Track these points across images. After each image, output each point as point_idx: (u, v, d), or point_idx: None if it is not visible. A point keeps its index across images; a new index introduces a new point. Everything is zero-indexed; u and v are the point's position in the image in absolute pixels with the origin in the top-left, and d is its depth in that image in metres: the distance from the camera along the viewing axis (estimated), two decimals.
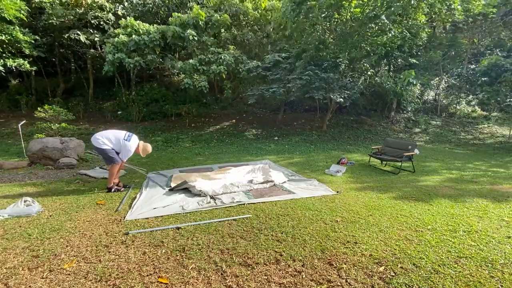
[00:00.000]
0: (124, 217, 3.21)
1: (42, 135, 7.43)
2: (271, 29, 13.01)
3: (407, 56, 11.43)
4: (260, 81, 12.03)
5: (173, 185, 4.41)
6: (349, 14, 10.16)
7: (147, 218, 3.18)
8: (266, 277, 2.07)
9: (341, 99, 9.64)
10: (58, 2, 11.20)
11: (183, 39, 10.45)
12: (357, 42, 10.09)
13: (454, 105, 14.86)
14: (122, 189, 4.30)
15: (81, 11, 11.46)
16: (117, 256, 2.35)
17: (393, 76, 11.82)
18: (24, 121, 8.59)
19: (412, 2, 8.63)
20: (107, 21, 11.97)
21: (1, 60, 9.77)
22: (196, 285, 1.98)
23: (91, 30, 12.18)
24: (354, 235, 2.74)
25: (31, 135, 8.04)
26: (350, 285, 1.98)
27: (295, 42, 11.80)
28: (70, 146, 6.32)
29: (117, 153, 4.16)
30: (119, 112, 13.39)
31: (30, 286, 1.96)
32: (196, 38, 10.35)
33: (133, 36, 10.04)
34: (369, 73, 12.20)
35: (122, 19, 11.02)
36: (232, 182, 4.50)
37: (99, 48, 13.20)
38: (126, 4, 12.35)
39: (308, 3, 9.02)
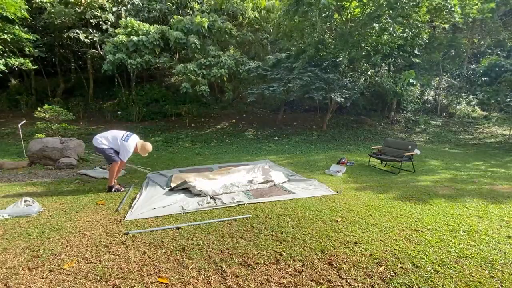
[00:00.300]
0: (124, 217, 3.21)
1: (42, 135, 7.44)
2: (271, 29, 13.02)
3: (407, 56, 11.43)
4: (260, 81, 12.04)
5: (173, 185, 4.41)
6: (349, 14, 10.16)
7: (147, 218, 3.18)
8: (266, 277, 2.07)
9: (342, 99, 9.64)
10: (58, 1, 11.20)
11: (185, 44, 10.46)
12: (357, 42, 10.09)
13: (454, 105, 14.86)
14: (123, 189, 4.31)
15: (80, 10, 11.45)
16: (117, 256, 2.35)
17: (393, 76, 11.83)
18: (24, 121, 8.59)
19: (415, 2, 8.63)
20: (106, 21, 11.97)
21: (3, 60, 9.76)
22: (196, 285, 1.98)
23: (90, 30, 12.18)
24: (354, 235, 2.74)
25: (31, 135, 8.05)
26: (350, 285, 1.98)
27: (295, 42, 11.81)
28: (70, 146, 6.32)
29: (117, 153, 4.20)
30: (119, 112, 13.39)
31: (30, 286, 1.96)
32: (199, 47, 10.35)
33: (132, 37, 10.03)
34: (369, 73, 12.20)
35: (122, 19, 11.02)
36: (232, 182, 4.50)
37: (99, 48, 13.19)
38: (129, 6, 12.34)
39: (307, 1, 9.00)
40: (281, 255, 2.36)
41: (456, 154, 8.80)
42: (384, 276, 2.08)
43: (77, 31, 11.83)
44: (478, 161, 7.55)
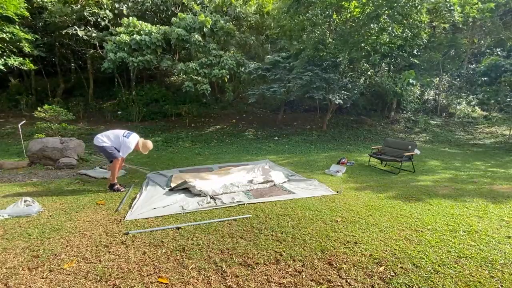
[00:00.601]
0: (124, 217, 3.21)
1: (42, 135, 7.43)
2: (272, 29, 13.03)
3: (407, 56, 11.43)
4: (260, 81, 12.05)
5: (173, 185, 4.41)
6: (349, 14, 10.16)
7: (147, 218, 3.18)
8: (266, 277, 2.07)
9: (340, 101, 9.64)
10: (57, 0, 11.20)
11: (187, 41, 10.46)
12: (357, 42, 10.10)
13: (454, 105, 14.86)
14: (123, 189, 4.31)
15: (77, 7, 11.44)
16: (117, 256, 2.35)
17: (393, 76, 11.82)
18: (24, 121, 8.59)
19: (415, 2, 8.63)
20: (104, 18, 11.94)
21: (2, 59, 9.74)
22: (196, 285, 1.98)
23: (89, 28, 12.17)
24: (354, 235, 2.74)
25: (31, 135, 8.05)
26: (350, 285, 1.98)
27: (295, 42, 11.81)
28: (70, 146, 6.32)
29: (117, 150, 4.25)
30: (119, 112, 13.39)
31: (30, 286, 1.96)
32: (202, 44, 10.36)
33: (135, 35, 10.04)
34: (369, 73, 12.19)
35: (124, 18, 11.02)
36: (232, 182, 4.50)
37: (99, 48, 13.19)
38: (129, 4, 12.34)
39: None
40: (281, 255, 2.36)
41: (456, 154, 8.80)
42: (384, 276, 2.08)
43: (76, 27, 11.81)
44: (478, 161, 7.55)
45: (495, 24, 12.99)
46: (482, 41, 14.91)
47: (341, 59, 10.45)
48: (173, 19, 10.84)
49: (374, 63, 10.81)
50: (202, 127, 12.16)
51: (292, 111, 14.36)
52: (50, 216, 3.24)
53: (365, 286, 1.97)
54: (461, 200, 3.91)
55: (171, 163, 6.78)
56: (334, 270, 2.16)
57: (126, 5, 12.20)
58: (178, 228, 2.89)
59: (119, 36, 10.06)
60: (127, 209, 3.46)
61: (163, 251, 2.44)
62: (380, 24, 9.23)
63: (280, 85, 10.15)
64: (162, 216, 3.25)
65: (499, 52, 12.93)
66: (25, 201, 3.42)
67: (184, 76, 10.97)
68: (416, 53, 11.59)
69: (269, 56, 11.56)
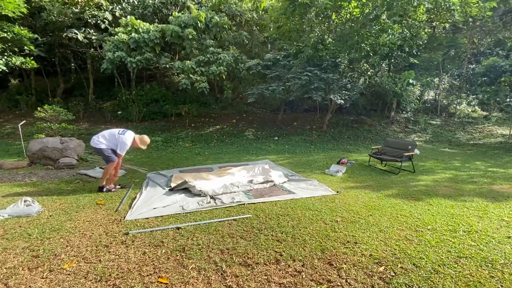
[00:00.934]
0: (124, 217, 3.21)
1: (42, 135, 7.43)
2: (270, 28, 13.01)
3: (407, 56, 11.43)
4: (260, 81, 12.03)
5: (173, 185, 4.41)
6: (348, 15, 10.15)
7: (147, 218, 3.18)
8: (266, 277, 2.07)
9: (341, 101, 9.64)
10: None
11: (181, 38, 10.44)
12: (357, 42, 10.09)
13: (454, 105, 14.87)
14: (114, 190, 4.30)
15: (77, 9, 11.43)
16: (117, 256, 2.35)
17: (392, 77, 11.83)
18: (24, 121, 8.59)
19: (414, 2, 8.62)
20: (104, 20, 11.94)
21: (3, 59, 9.72)
22: (196, 285, 1.98)
23: (89, 29, 12.16)
24: (354, 235, 2.74)
25: (31, 135, 8.04)
26: (350, 285, 1.98)
27: (294, 42, 11.81)
28: (70, 146, 6.32)
29: (114, 151, 4.22)
30: (119, 112, 13.39)
31: (30, 286, 1.96)
32: (196, 38, 10.33)
33: (133, 34, 10.02)
34: (369, 73, 12.19)
35: (123, 18, 11.01)
36: (232, 182, 4.50)
37: (98, 48, 13.18)
38: (124, 5, 12.32)
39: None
40: (281, 255, 2.36)
41: (456, 154, 8.81)
42: (384, 276, 2.08)
43: (75, 31, 11.80)
44: (478, 161, 7.55)
45: (495, 24, 12.99)
46: (482, 41, 14.91)
47: (340, 59, 10.45)
48: (170, 17, 10.85)
49: (374, 63, 10.80)
50: (202, 127, 12.16)
51: (292, 111, 14.36)
52: (50, 216, 3.24)
53: (365, 286, 1.97)
54: (461, 200, 3.91)
55: (171, 163, 6.78)
56: (334, 270, 2.16)
57: (127, 7, 12.19)
58: (178, 228, 2.89)
59: (118, 35, 10.04)
60: (127, 209, 3.47)
61: (163, 251, 2.44)
62: (379, 25, 9.22)
63: (279, 84, 10.13)
64: (162, 216, 3.25)
65: (499, 52, 12.93)
66: (25, 201, 3.42)
67: (182, 75, 10.94)
68: (416, 53, 11.59)
69: (268, 55, 11.56)
